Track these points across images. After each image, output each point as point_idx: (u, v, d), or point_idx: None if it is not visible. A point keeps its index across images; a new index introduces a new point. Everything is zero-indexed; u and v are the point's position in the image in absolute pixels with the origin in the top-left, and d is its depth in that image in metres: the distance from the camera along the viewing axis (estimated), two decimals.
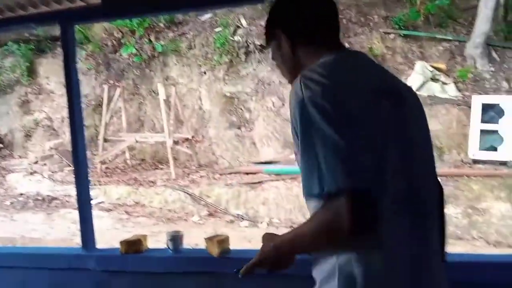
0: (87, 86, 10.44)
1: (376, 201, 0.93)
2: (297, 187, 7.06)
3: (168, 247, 2.31)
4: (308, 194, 0.98)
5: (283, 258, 1.12)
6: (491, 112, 7.69)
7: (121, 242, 2.43)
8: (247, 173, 8.09)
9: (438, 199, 1.15)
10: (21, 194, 8.01)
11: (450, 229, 5.97)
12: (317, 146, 0.94)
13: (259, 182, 7.54)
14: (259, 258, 1.14)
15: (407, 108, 1.10)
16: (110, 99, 9.15)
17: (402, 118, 1.06)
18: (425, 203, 1.07)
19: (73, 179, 2.50)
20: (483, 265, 1.92)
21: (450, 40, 9.18)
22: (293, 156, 8.94)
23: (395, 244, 0.99)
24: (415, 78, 8.44)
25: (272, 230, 6.48)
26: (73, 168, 2.42)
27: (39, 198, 7.75)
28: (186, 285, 2.21)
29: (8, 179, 8.95)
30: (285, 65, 1.20)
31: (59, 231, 6.02)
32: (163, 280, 2.26)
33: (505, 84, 8.43)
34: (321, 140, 0.94)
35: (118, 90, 9.19)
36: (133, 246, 2.37)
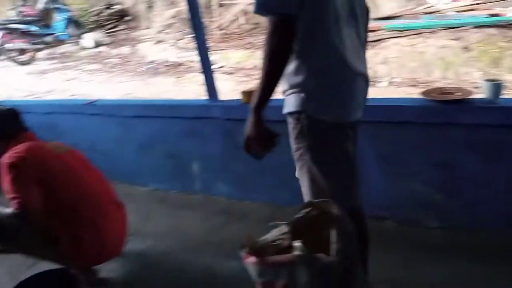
0: None
1: (295, 27, 1.29)
2: (423, 43, 6.48)
3: None
4: (253, 11, 1.35)
5: (260, 116, 1.37)
6: None
7: (243, 92, 2.55)
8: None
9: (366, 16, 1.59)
10: (152, 61, 8.72)
11: None
12: None
13: (378, 40, 7.06)
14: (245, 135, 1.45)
15: None
16: None
17: None
18: (357, 18, 1.49)
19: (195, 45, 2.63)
20: None
21: None
22: (419, 9, 8.06)
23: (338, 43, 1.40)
24: None
25: (392, 89, 6.23)
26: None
27: (168, 64, 8.37)
28: None
29: (139, 49, 9.73)
30: None
31: (188, 92, 6.54)
32: None
33: None
34: None
35: None
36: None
